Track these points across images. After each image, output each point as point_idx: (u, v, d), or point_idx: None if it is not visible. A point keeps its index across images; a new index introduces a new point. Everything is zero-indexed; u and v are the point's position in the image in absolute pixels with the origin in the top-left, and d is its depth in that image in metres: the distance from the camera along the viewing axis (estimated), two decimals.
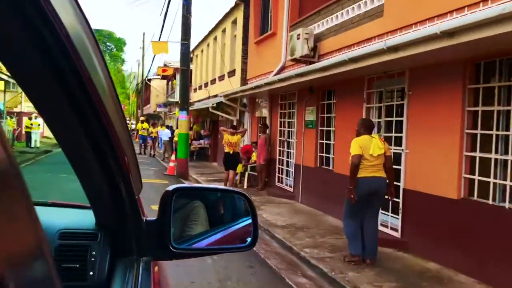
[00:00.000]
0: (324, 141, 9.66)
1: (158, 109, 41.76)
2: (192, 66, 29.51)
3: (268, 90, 11.45)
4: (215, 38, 21.64)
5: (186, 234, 1.48)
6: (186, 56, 14.47)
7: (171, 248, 1.33)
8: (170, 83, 38.80)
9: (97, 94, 0.86)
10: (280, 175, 12.05)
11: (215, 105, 16.56)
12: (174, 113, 29.97)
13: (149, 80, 44.23)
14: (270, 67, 12.68)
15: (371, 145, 5.92)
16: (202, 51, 24.90)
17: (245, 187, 12.82)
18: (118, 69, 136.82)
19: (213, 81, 21.57)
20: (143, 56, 43.87)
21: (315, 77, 8.04)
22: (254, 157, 12.97)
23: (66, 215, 1.57)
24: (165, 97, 40.87)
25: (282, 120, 11.95)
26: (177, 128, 22.60)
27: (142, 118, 24.89)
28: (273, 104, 12.74)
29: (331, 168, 9.35)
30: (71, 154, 1.06)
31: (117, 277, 1.22)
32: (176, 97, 33.56)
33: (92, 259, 1.30)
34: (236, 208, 1.63)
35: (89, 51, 0.83)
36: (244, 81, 16.41)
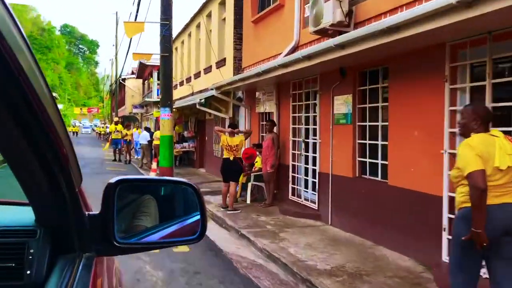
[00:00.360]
0: (367, 141, 6.99)
1: (134, 110, 38.72)
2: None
3: (277, 76, 8.75)
4: (198, 26, 18.83)
5: (135, 229, 1.41)
6: (168, 39, 11.65)
7: (115, 242, 1.28)
8: (146, 82, 35.89)
9: (27, 81, 0.80)
10: (295, 186, 9.35)
11: (203, 100, 13.77)
12: (152, 114, 27.10)
13: (124, 79, 41.15)
14: (276, 49, 10.00)
15: (496, 151, 3.31)
16: (182, 42, 22.03)
17: (248, 201, 10.08)
18: (91, 71, 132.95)
19: (197, 75, 18.75)
20: (116, 53, 40.62)
21: (370, 45, 5.35)
22: (258, 163, 10.24)
23: (2, 212, 1.50)
24: (141, 98, 37.89)
25: (297, 115, 9.25)
26: (157, 129, 19.74)
27: (116, 119, 21.79)
28: (281, 95, 10.03)
29: (379, 178, 6.70)
30: (4, 147, 1.00)
31: (54, 275, 1.16)
32: (154, 97, 30.74)
33: (30, 257, 1.24)
34: (188, 201, 1.51)
35: (12, 31, 0.75)
36: (237, 70, 13.69)
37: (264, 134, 10.88)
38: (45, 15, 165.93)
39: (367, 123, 6.99)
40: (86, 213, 1.31)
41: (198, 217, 1.47)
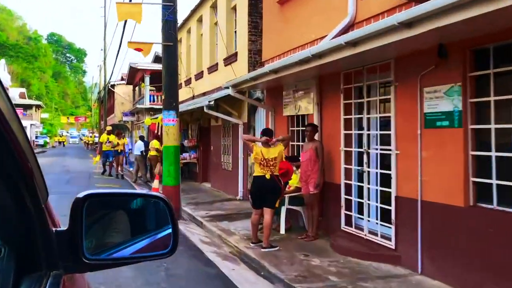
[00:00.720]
0: (493, 153, 4.63)
1: (125, 118, 36.24)
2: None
3: (321, 66, 6.46)
4: (200, 20, 16.50)
5: (106, 244, 1.39)
6: (171, 25, 9.25)
7: (83, 259, 1.25)
8: (137, 88, 33.50)
9: None
10: (350, 213, 6.96)
11: (212, 103, 11.38)
12: (143, 122, 24.72)
13: (113, 86, 38.61)
14: (316, 32, 7.74)
15: None
16: (180, 40, 19.57)
17: (282, 232, 7.66)
18: (79, 80, 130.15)
19: (199, 76, 16.37)
20: (104, 57, 38.06)
21: None
22: (294, 181, 7.84)
23: None
24: (132, 105, 35.42)
25: (352, 116, 6.88)
26: (155, 138, 17.27)
27: (108, 128, 19.11)
28: (325, 90, 7.68)
29: None
30: None
31: None
32: (146, 103, 28.30)
33: None
34: (160, 214, 1.49)
35: None
36: (253, 66, 11.36)
37: (300, 143, 8.51)
38: (32, 24, 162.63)
39: (492, 126, 4.63)
40: (53, 229, 1.25)
41: (169, 230, 1.43)
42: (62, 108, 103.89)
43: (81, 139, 70.42)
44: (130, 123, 37.67)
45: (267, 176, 6.69)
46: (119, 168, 17.43)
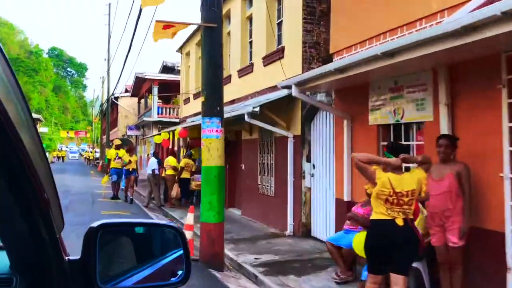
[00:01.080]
0: None
1: (129, 133, 33.62)
2: (181, 70, 21.70)
3: (460, 49, 3.85)
4: (227, 16, 13.94)
5: (113, 272, 1.36)
6: (215, 1, 6.70)
7: None
8: (143, 100, 31.02)
9: (9, 120, 0.74)
10: None
11: (257, 109, 8.74)
12: (151, 136, 22.09)
13: (116, 98, 36.11)
14: (432, 4, 5.16)
15: None
16: (198, 44, 17.02)
17: None
18: (79, 95, 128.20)
19: (225, 81, 13.69)
20: (108, 68, 35.61)
21: None
22: (419, 224, 5.14)
23: None
24: (137, 118, 32.90)
25: None
26: (171, 154, 14.61)
27: (117, 142, 16.29)
28: (460, 86, 5.04)
29: None
30: None
31: None
32: (154, 116, 25.76)
33: None
34: (164, 240, 1.51)
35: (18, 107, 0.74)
36: (308, 62, 8.82)
37: (434, 166, 5.86)
38: (33, 38, 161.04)
39: None
40: (66, 258, 1.21)
41: (176, 255, 1.41)
42: (62, 123, 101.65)
43: (81, 154, 67.73)
44: (134, 138, 35.12)
45: (399, 222, 4.00)
46: (129, 191, 14.65)
